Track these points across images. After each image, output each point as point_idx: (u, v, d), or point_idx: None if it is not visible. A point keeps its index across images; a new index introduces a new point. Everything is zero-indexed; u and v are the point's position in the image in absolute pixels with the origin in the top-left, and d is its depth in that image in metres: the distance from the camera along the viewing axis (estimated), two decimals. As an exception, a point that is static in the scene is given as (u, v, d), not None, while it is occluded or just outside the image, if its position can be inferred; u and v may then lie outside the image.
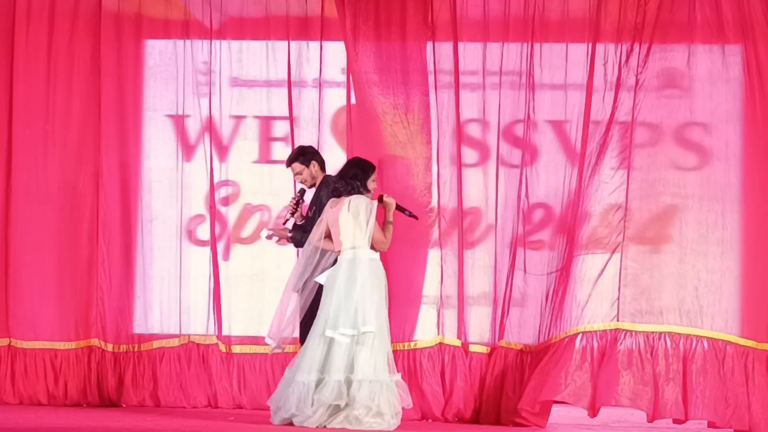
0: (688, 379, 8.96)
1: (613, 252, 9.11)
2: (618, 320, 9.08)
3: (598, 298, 9.13)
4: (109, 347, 9.82)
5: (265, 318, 9.79)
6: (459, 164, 9.53)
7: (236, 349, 9.83)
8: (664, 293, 9.12)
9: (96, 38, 9.85)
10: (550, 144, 9.54)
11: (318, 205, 8.97)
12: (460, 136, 9.53)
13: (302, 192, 9.19)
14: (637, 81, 9.29)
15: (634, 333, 9.06)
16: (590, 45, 9.39)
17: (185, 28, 9.89)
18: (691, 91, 9.33)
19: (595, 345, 9.05)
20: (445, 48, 9.56)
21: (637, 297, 9.11)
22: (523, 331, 9.39)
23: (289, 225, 9.16)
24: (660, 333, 9.06)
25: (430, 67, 9.56)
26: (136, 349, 9.84)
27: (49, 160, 9.91)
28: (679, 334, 9.04)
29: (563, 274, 9.26)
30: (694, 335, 9.04)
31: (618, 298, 9.07)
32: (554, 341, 9.17)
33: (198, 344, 9.78)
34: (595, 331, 9.09)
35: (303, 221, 9.13)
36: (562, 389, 8.94)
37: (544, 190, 9.50)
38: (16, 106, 9.89)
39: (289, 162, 9.16)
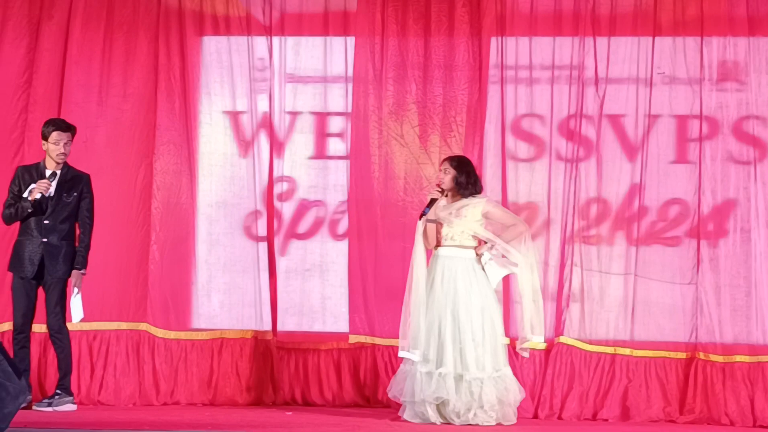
0: None
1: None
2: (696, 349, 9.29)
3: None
4: (160, 333, 9.68)
5: (318, 314, 9.84)
6: (503, 159, 9.57)
7: (290, 345, 9.77)
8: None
9: (154, 33, 9.84)
10: (607, 138, 9.58)
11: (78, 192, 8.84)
12: (504, 130, 9.58)
13: (55, 175, 8.87)
14: (697, 74, 9.42)
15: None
16: (645, 39, 9.50)
17: (242, 25, 9.90)
18: (749, 84, 9.38)
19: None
20: (494, 42, 9.63)
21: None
22: (583, 328, 9.42)
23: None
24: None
25: (481, 62, 9.62)
26: (187, 338, 9.73)
27: (100, 143, 9.79)
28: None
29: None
30: None
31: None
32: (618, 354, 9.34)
33: (255, 339, 9.72)
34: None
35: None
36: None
37: (602, 185, 9.52)
38: (66, 89, 9.74)
39: (72, 130, 8.95)
